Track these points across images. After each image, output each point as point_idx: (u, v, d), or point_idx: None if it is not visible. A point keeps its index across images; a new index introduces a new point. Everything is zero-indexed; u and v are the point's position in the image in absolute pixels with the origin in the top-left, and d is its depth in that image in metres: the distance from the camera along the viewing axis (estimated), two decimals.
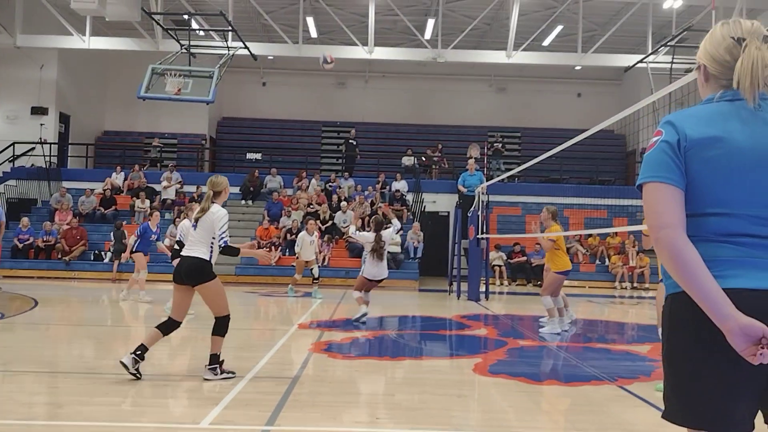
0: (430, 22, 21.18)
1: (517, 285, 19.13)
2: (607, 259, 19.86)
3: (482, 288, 13.99)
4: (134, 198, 19.93)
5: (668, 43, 18.65)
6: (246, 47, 18.61)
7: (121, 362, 5.34)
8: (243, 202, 20.76)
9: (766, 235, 1.76)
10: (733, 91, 1.85)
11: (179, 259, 5.80)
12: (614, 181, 23.99)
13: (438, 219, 21.41)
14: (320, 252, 17.20)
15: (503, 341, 8.24)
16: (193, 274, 5.50)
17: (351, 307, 11.52)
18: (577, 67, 21.70)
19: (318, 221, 18.88)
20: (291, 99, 27.16)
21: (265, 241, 18.11)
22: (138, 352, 5.35)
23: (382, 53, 20.65)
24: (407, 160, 23.24)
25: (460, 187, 15.27)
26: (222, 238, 5.53)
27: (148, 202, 19.54)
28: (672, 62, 18.89)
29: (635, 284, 18.85)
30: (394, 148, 25.14)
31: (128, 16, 17.43)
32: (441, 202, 21.50)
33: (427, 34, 21.47)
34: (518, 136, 26.90)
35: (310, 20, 21.01)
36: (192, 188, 20.51)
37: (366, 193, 20.80)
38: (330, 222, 19.07)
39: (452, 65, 22.38)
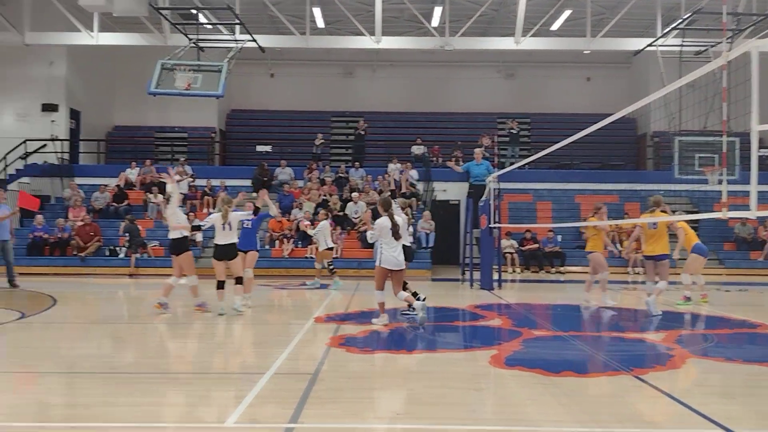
0: (437, 10, 21.07)
1: (531, 272, 19.14)
2: (619, 245, 19.78)
3: (495, 276, 14.02)
4: (147, 193, 20.07)
5: (678, 26, 18.47)
6: (254, 40, 18.63)
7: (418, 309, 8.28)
8: (255, 195, 20.77)
9: None
10: None
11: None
12: (625, 165, 23.88)
13: (449, 208, 21.42)
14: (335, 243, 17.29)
15: (518, 332, 8.28)
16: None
17: (366, 299, 11.59)
18: (586, 52, 21.55)
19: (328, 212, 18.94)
20: (299, 90, 27.16)
21: (277, 233, 18.25)
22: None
23: (389, 42, 20.60)
24: (417, 149, 23.23)
25: (462, 172, 15.42)
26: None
27: (161, 196, 19.64)
28: (682, 45, 18.73)
29: None
30: (403, 137, 25.12)
31: (136, 11, 17.49)
32: (451, 191, 21.49)
33: (434, 22, 21.37)
34: (528, 122, 26.79)
35: (317, 11, 20.97)
36: (203, 182, 20.60)
37: (375, 182, 20.79)
38: (342, 212, 19.13)
39: (460, 52, 22.26)
